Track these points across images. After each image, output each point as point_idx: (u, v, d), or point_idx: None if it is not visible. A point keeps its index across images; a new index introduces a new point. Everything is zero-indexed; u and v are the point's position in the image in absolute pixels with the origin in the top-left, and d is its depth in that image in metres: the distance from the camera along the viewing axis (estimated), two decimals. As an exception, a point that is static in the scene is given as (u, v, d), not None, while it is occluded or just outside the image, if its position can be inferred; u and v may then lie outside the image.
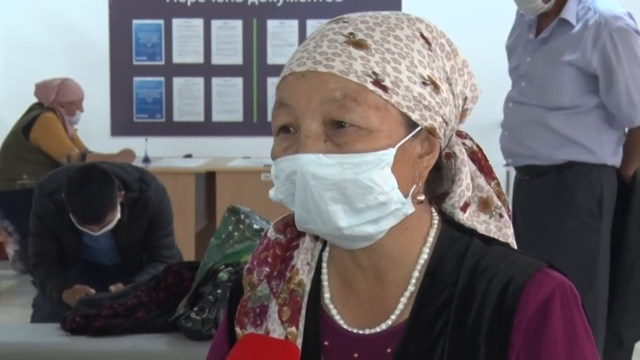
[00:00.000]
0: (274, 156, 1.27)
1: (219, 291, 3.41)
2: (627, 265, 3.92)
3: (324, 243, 1.37)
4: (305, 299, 1.33)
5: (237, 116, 7.92)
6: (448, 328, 1.26)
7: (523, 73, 3.98)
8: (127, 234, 4.26)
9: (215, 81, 7.92)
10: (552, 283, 1.26)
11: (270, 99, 7.82)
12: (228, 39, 7.89)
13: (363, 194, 1.23)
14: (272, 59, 7.86)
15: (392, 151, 1.23)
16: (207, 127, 7.92)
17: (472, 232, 1.33)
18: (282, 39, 7.87)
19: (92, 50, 7.85)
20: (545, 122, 3.89)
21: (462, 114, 1.35)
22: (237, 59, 7.89)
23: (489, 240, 1.32)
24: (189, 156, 7.64)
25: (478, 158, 1.37)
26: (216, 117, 7.94)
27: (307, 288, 1.34)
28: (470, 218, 1.35)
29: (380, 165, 1.23)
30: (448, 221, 1.34)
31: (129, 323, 3.52)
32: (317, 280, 1.35)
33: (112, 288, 3.99)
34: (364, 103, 1.23)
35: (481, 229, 1.35)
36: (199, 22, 7.89)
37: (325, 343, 1.33)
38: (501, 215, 1.37)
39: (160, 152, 7.53)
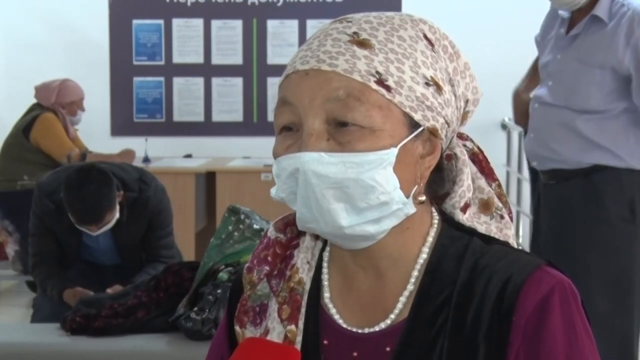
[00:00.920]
0: (276, 154, 1.27)
1: (219, 291, 3.41)
2: None
3: (325, 242, 1.37)
4: (305, 298, 1.34)
5: (237, 116, 7.92)
6: (447, 327, 1.27)
7: (551, 71, 3.79)
8: (126, 234, 4.26)
9: (215, 81, 7.91)
10: (551, 281, 1.26)
11: (270, 99, 7.82)
12: (228, 39, 7.88)
13: (365, 193, 1.23)
14: (272, 59, 7.85)
15: (394, 151, 1.24)
16: (207, 127, 7.92)
17: (471, 232, 1.33)
18: (282, 39, 7.86)
19: (92, 50, 7.84)
20: (573, 125, 3.71)
21: (464, 117, 1.35)
22: (237, 59, 7.89)
23: (488, 240, 1.32)
24: (189, 156, 7.63)
25: (479, 159, 1.38)
26: (216, 117, 7.93)
27: (307, 287, 1.34)
28: (470, 219, 1.35)
29: (382, 164, 1.23)
30: (448, 221, 1.34)
31: (129, 323, 3.52)
32: (317, 279, 1.36)
33: (109, 291, 3.98)
34: (367, 102, 1.23)
35: (482, 229, 1.35)
36: (199, 22, 7.88)
37: (325, 342, 1.33)
38: (502, 217, 1.37)
39: (160, 152, 7.53)
